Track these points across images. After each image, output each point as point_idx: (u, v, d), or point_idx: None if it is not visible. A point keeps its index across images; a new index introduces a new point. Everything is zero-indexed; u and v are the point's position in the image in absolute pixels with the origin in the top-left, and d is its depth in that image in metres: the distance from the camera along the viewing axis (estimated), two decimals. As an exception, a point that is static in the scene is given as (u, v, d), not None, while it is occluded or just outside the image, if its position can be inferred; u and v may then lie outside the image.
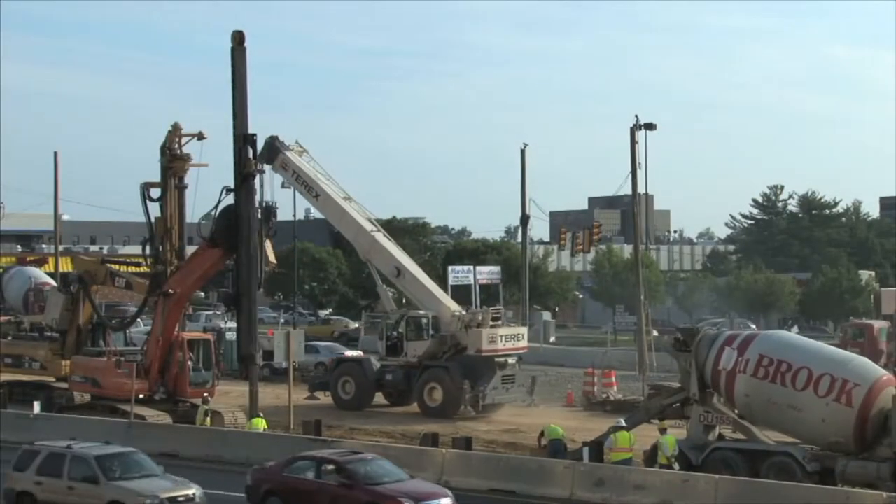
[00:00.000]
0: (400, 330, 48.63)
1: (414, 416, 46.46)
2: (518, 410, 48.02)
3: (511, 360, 48.23)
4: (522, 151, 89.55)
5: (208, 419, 38.39)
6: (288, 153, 48.26)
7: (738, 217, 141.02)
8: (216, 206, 41.65)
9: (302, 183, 48.50)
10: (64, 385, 43.62)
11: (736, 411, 32.84)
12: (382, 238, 49.33)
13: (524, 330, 51.42)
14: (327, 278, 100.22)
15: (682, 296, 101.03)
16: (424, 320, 48.33)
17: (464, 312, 48.50)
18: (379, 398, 49.65)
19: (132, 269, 47.74)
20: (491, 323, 47.93)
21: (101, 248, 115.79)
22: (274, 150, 47.63)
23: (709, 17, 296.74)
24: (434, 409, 46.48)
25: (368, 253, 49.10)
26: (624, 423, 33.15)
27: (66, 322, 44.77)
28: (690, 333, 34.24)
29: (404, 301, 54.93)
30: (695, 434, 33.24)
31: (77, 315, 44.63)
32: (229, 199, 40.44)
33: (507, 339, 48.09)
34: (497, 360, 47.46)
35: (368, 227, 49.31)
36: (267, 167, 45.75)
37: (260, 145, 42.24)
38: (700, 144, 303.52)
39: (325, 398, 49.04)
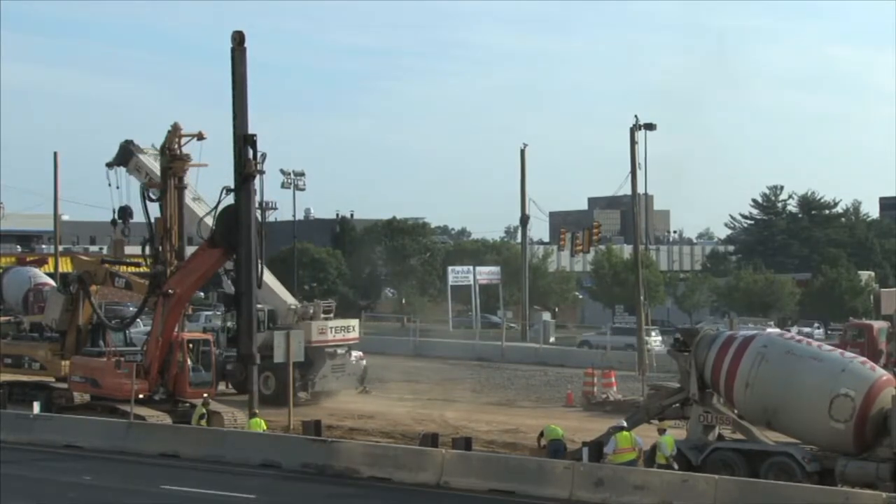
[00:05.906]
0: None
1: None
2: (350, 398, 50.98)
3: (340, 351, 51.75)
4: (522, 151, 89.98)
5: (203, 421, 38.34)
6: (141, 156, 47.99)
7: (738, 217, 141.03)
8: (216, 206, 41.75)
9: (155, 185, 48.69)
10: (64, 385, 43.59)
11: (735, 411, 32.89)
12: None
13: (355, 322, 54.15)
14: (327, 279, 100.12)
15: (681, 296, 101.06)
16: (261, 314, 50.34)
17: (299, 306, 51.71)
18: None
19: (132, 269, 47.72)
20: (322, 316, 51.12)
21: (101, 248, 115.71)
22: (128, 153, 47.47)
23: (709, 17, 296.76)
24: (269, 397, 48.74)
25: None
26: (625, 424, 33.11)
27: (66, 322, 44.74)
28: (690, 334, 34.30)
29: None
30: (694, 434, 33.26)
31: (77, 315, 44.62)
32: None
33: (338, 330, 51.43)
34: (327, 350, 50.86)
35: None
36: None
37: (261, 146, 42.33)
38: (700, 144, 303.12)
39: None
